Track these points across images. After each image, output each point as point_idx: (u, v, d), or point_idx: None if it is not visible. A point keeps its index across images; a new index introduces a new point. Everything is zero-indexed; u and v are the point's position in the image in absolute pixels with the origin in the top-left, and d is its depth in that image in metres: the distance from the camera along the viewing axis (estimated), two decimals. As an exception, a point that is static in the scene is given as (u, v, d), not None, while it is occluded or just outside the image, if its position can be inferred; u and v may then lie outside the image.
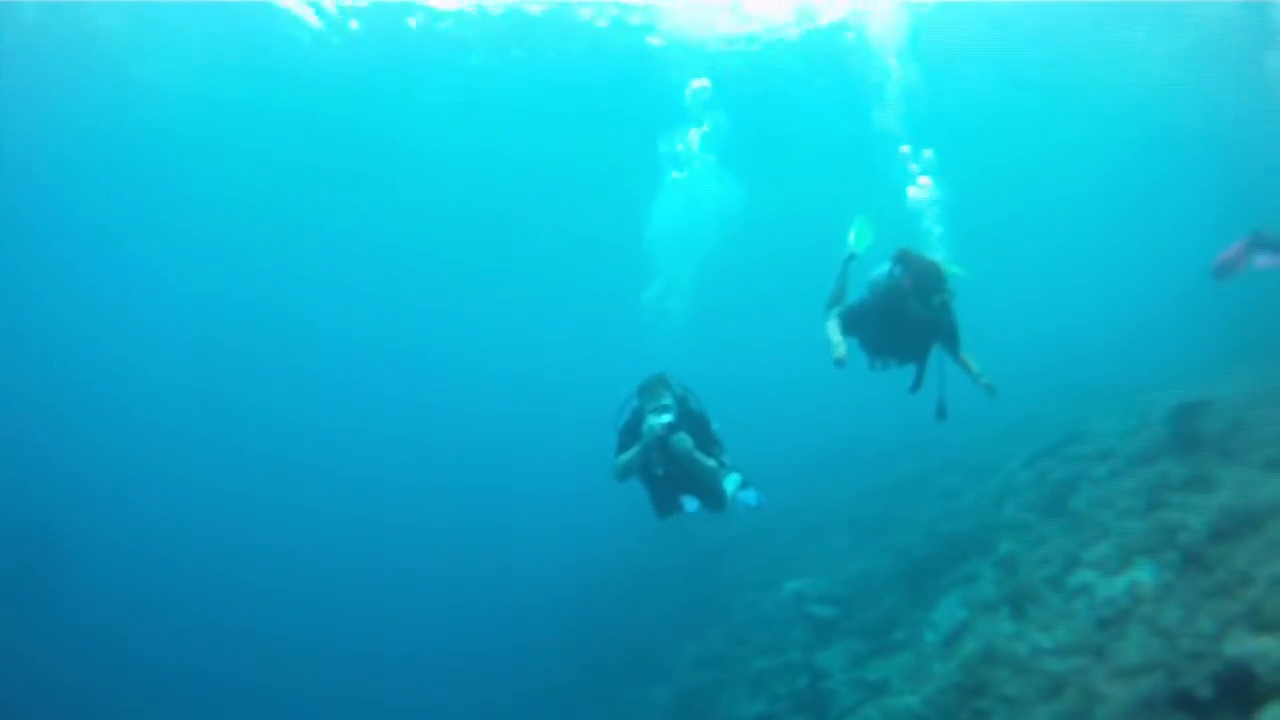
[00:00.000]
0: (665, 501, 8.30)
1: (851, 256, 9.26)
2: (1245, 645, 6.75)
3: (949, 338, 8.02)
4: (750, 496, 8.74)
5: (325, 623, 25.94)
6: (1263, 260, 9.58)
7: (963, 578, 12.76)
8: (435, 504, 35.50)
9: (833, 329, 8.15)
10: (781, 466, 23.33)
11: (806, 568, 17.17)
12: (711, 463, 7.90)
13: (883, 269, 8.08)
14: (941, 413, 8.19)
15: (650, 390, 7.87)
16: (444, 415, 45.70)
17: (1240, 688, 6.52)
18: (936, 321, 7.82)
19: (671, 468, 7.84)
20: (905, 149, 14.99)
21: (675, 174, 21.84)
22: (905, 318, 7.81)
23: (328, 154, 28.57)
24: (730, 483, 8.56)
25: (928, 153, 14.30)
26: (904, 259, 7.76)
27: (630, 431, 7.95)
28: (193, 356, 41.25)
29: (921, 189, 10.69)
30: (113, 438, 39.49)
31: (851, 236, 9.46)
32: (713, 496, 8.34)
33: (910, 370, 8.34)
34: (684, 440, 7.67)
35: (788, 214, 33.28)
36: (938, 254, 8.17)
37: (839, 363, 7.86)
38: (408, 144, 28.11)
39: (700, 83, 20.34)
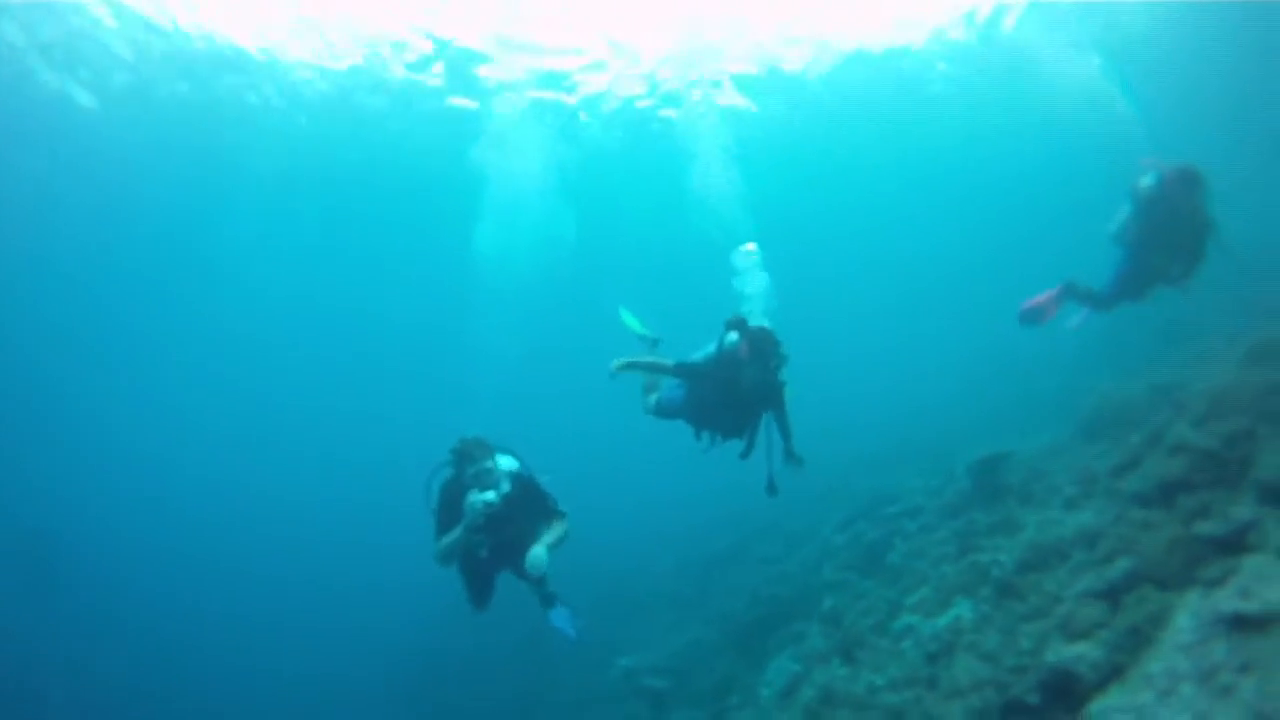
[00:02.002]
0: (484, 590, 7.71)
1: (654, 341, 9.41)
2: (1063, 652, 7.41)
3: (778, 404, 8.16)
4: (565, 621, 8.38)
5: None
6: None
7: (791, 637, 13.27)
8: (245, 574, 33.74)
9: (643, 357, 8.35)
10: (601, 543, 23.57)
11: (635, 643, 17.34)
12: (559, 530, 7.33)
13: (709, 347, 8.14)
14: (772, 488, 8.22)
15: (469, 454, 7.12)
16: (253, 472, 43.57)
17: (1065, 689, 7.17)
18: (770, 387, 7.95)
19: (497, 546, 7.22)
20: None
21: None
22: (739, 386, 7.85)
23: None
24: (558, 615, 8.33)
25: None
26: (739, 326, 7.85)
27: (450, 508, 7.15)
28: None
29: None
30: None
31: (632, 324, 9.64)
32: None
33: (732, 445, 8.37)
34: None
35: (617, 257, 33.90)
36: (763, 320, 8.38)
37: (612, 374, 8.01)
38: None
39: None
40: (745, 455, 8.31)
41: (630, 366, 8.17)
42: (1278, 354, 9.17)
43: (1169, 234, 8.68)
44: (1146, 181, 8.63)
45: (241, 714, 23.04)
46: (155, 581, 31.97)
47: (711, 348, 8.13)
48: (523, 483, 7.35)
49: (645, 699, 15.13)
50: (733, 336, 7.88)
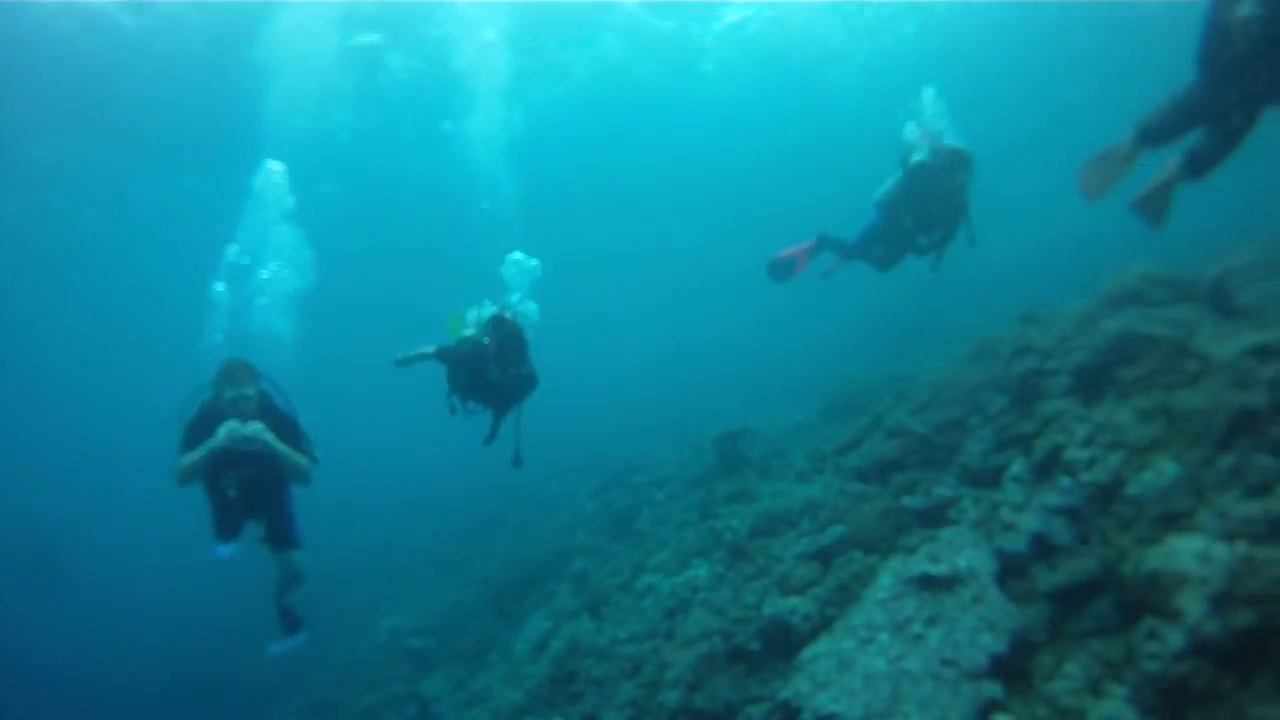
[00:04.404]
0: (231, 526, 7.10)
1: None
2: (780, 605, 7.97)
3: (523, 399, 8.21)
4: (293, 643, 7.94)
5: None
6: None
7: (544, 597, 13.53)
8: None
9: (417, 348, 8.11)
10: (362, 513, 23.13)
11: (398, 606, 17.24)
12: (303, 460, 6.87)
13: (483, 325, 8.03)
14: (517, 460, 8.32)
15: (231, 377, 6.60)
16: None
17: (782, 638, 7.70)
18: (511, 387, 7.99)
19: (246, 488, 6.80)
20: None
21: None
22: (484, 377, 7.90)
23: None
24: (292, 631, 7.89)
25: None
26: (497, 324, 7.79)
27: (201, 426, 6.56)
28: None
29: None
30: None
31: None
32: (286, 524, 7.42)
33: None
34: (259, 430, 6.50)
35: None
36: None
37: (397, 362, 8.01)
38: None
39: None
40: (488, 441, 8.34)
41: (406, 360, 8.08)
42: (995, 353, 9.92)
43: (924, 202, 8.83)
44: (917, 153, 8.75)
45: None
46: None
47: (475, 332, 8.08)
48: (277, 415, 6.89)
49: (409, 658, 15.08)
50: (488, 329, 7.88)
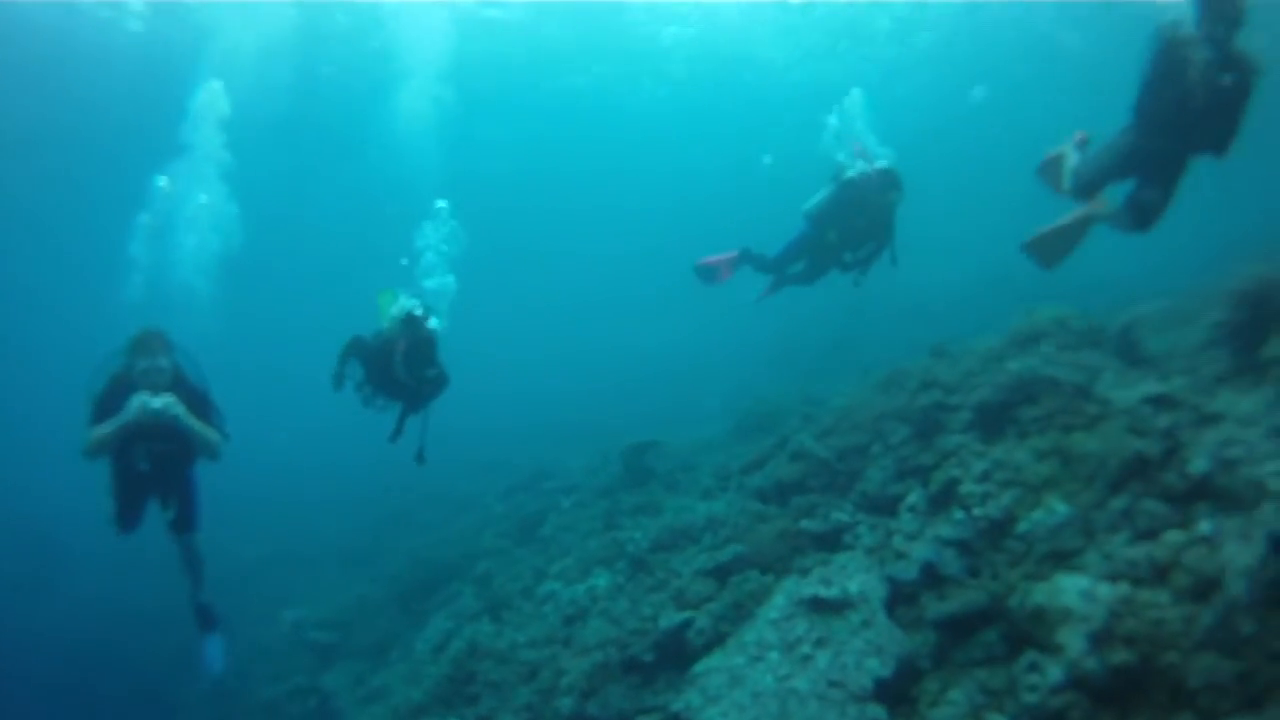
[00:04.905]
0: (134, 511, 6.94)
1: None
2: (675, 619, 7.94)
3: (433, 399, 8.05)
4: (216, 653, 7.98)
5: None
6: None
7: (448, 597, 13.28)
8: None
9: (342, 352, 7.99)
10: (269, 502, 22.49)
11: (303, 597, 16.74)
12: (214, 435, 6.68)
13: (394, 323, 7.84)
14: (420, 458, 8.18)
15: (145, 347, 6.38)
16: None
17: (676, 650, 7.67)
18: (418, 388, 7.85)
19: (158, 462, 6.62)
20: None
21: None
22: (391, 372, 7.75)
23: None
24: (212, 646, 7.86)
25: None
26: (409, 323, 7.63)
27: (112, 399, 6.35)
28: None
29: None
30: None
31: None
32: (190, 505, 7.19)
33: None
34: (170, 404, 6.31)
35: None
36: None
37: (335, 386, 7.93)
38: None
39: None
40: (393, 438, 8.19)
41: (338, 373, 7.98)
42: (902, 384, 9.99)
43: (852, 218, 8.63)
44: (849, 169, 8.57)
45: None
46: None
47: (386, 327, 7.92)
48: (189, 389, 6.65)
49: (312, 652, 14.70)
50: (399, 328, 7.71)
